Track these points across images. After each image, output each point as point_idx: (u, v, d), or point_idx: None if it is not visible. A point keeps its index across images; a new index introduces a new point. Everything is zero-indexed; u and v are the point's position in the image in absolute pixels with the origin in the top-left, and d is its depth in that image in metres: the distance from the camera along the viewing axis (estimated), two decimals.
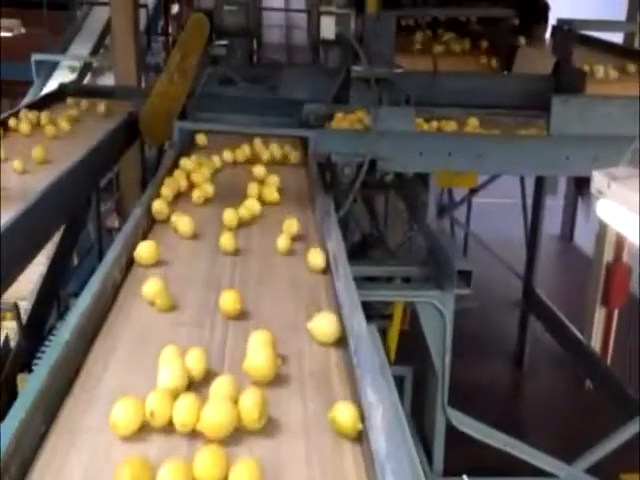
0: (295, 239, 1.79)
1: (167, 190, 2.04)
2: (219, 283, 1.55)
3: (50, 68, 5.40)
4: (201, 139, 2.77)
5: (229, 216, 1.86)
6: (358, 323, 1.23)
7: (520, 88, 3.59)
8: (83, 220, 3.46)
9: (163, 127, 2.95)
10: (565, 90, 3.54)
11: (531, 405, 4.53)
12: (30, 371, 2.45)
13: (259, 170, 2.30)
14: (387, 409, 0.97)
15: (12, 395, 2.38)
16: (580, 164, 2.71)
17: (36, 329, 2.81)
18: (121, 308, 1.41)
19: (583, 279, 4.97)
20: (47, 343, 2.68)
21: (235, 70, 3.77)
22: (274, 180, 2.22)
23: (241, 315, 1.38)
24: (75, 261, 3.86)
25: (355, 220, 3.56)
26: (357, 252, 3.35)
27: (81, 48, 5.88)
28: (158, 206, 1.90)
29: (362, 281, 2.56)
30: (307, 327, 1.30)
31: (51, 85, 4.94)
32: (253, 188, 2.11)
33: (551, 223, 6.21)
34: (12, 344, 2.63)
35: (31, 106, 3.25)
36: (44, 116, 2.98)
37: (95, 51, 5.97)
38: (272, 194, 2.12)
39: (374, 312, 3.06)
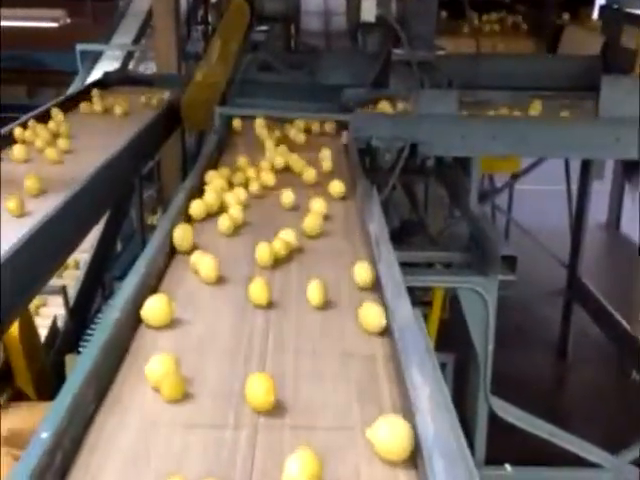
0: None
1: (195, 209, 1.76)
2: (247, 353, 1.21)
3: (94, 58, 5.50)
4: (236, 123, 2.77)
5: (263, 255, 1.52)
6: (403, 306, 1.20)
7: (567, 69, 3.48)
8: (126, 207, 3.52)
9: (204, 114, 2.97)
10: (614, 70, 3.43)
11: (575, 396, 4.43)
12: (78, 352, 2.52)
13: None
14: (434, 391, 0.96)
15: (60, 375, 2.45)
16: (629, 147, 2.62)
17: (82, 312, 2.88)
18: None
19: (630, 268, 4.82)
20: (93, 325, 2.75)
21: (275, 56, 3.76)
22: (320, 207, 1.83)
23: (275, 409, 1.04)
24: (118, 247, 3.94)
25: (394, 206, 3.53)
26: (396, 238, 3.31)
27: (124, 37, 5.97)
28: (179, 236, 1.56)
29: (402, 267, 2.53)
30: (366, 434, 0.96)
31: (95, 75, 5.02)
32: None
33: (597, 210, 6.04)
34: (60, 326, 2.71)
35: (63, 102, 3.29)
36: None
37: (137, 40, 6.05)
38: (315, 225, 1.73)
39: (413, 299, 3.02)
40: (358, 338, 1.25)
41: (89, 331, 2.69)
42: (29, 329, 2.43)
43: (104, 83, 3.62)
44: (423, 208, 3.72)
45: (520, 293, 4.18)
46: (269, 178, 2.07)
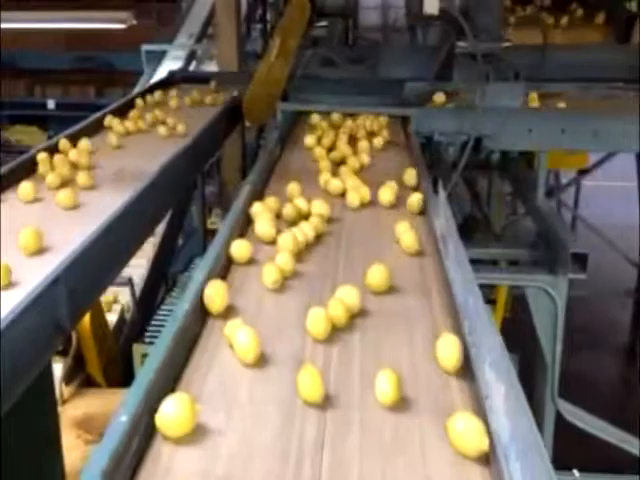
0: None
1: (238, 251, 1.45)
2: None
3: (159, 57, 5.63)
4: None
5: (316, 326, 1.16)
6: (474, 299, 1.15)
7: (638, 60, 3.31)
8: (188, 204, 3.59)
9: (265, 109, 2.98)
10: None
11: None
12: (143, 342, 2.60)
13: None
14: (509, 388, 0.92)
15: (127, 363, 2.54)
16: None
17: (147, 304, 2.97)
18: None
19: None
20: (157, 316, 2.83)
21: (335, 51, 3.75)
22: (381, 274, 1.36)
23: None
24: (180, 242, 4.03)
25: (456, 202, 3.46)
26: (459, 235, 3.24)
27: (186, 37, 6.09)
28: (210, 296, 1.24)
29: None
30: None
31: (159, 74, 5.14)
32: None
33: None
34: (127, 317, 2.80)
35: (143, 93, 3.38)
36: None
37: (199, 40, 6.16)
38: (383, 280, 1.35)
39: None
40: (448, 462, 0.89)
41: (154, 322, 2.77)
42: (99, 320, 2.52)
43: (169, 82, 3.70)
44: (486, 204, 3.63)
45: (588, 293, 4.04)
46: (323, 209, 1.72)
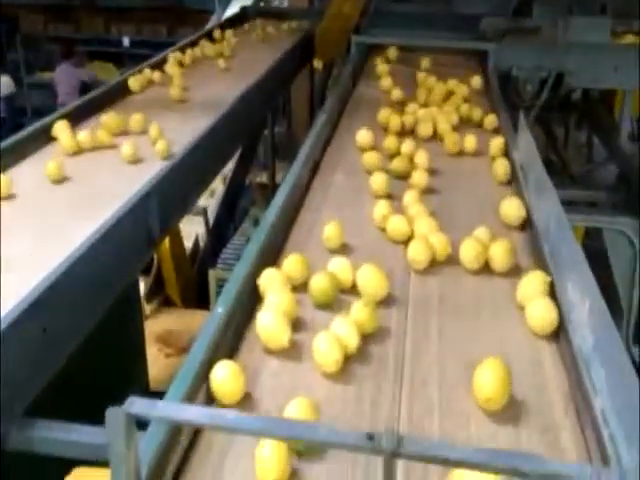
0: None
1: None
2: None
3: None
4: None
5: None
6: (566, 248, 1.08)
7: None
8: (258, 141, 3.61)
9: (337, 44, 2.94)
10: None
11: None
12: (217, 268, 2.71)
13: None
14: (594, 302, 0.91)
15: (202, 287, 2.67)
16: None
17: (220, 234, 3.07)
18: None
19: None
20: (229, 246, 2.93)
21: None
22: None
23: None
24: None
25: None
26: None
27: None
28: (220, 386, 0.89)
29: None
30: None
31: (230, 12, 5.12)
32: None
33: None
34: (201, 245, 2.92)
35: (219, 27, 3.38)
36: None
37: None
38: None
39: None
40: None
41: (226, 250, 2.87)
42: (178, 245, 2.64)
43: (241, 17, 3.68)
44: (563, 147, 3.49)
45: None
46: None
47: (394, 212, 1.35)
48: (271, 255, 1.23)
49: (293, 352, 0.99)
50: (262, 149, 3.82)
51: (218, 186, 3.26)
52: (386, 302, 1.11)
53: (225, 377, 0.89)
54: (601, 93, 3.18)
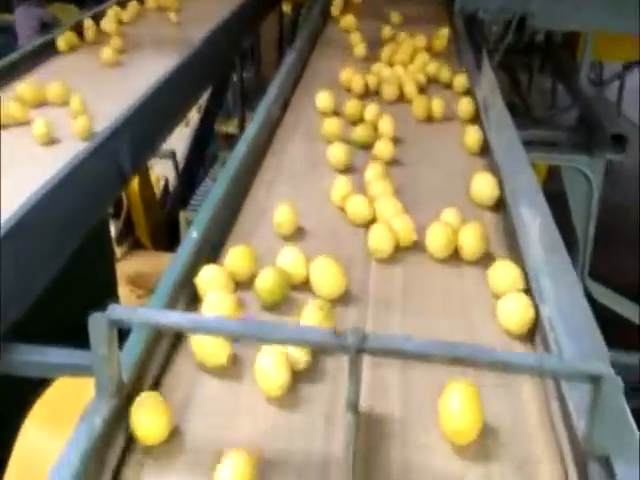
0: None
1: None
2: None
3: None
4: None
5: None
6: (523, 178, 1.16)
7: None
8: (227, 85, 3.59)
9: None
10: None
11: None
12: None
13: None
14: (544, 221, 0.98)
15: (172, 230, 2.71)
16: None
17: (189, 178, 3.10)
18: None
19: None
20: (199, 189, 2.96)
21: None
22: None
23: None
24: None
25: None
26: None
27: None
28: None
29: None
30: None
31: None
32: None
33: None
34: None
35: None
36: None
37: None
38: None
39: None
40: None
41: (196, 196, 2.90)
42: (147, 187, 2.65)
43: None
44: (527, 92, 3.55)
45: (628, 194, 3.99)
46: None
47: (355, 191, 1.23)
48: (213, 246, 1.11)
49: (234, 371, 0.85)
50: (232, 96, 3.80)
51: (193, 115, 3.21)
52: (344, 299, 1.00)
53: (146, 414, 0.74)
54: (564, 37, 3.23)
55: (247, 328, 0.74)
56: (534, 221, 0.99)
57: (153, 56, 2.11)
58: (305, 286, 1.00)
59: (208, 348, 0.84)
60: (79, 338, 0.74)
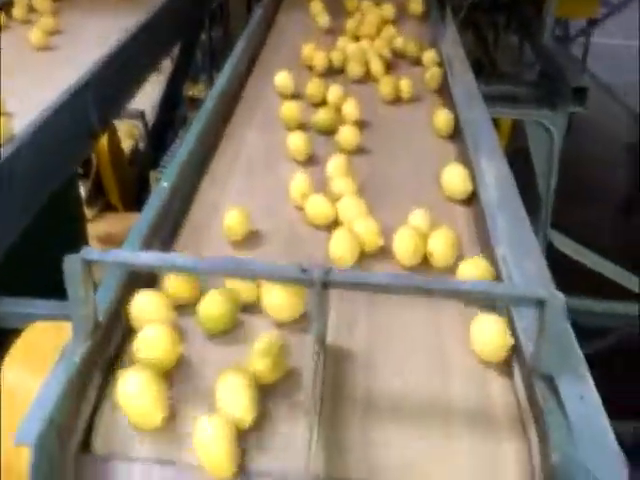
0: None
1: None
2: None
3: None
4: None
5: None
6: (478, 111, 1.23)
7: None
8: (195, 46, 3.55)
9: None
10: None
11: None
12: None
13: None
14: (499, 171, 1.03)
15: (142, 190, 2.72)
16: None
17: (159, 139, 3.10)
18: None
19: None
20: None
21: None
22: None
23: None
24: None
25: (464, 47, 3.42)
26: None
27: None
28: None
29: None
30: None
31: None
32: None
33: None
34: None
35: None
36: None
37: None
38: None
39: None
40: None
41: (166, 157, 2.91)
42: (116, 147, 2.65)
43: None
44: (494, 49, 3.59)
45: (591, 148, 4.08)
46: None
47: (314, 188, 1.11)
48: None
49: (169, 433, 0.72)
50: (200, 56, 3.77)
51: (166, 64, 3.14)
52: (300, 322, 0.87)
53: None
54: None
55: (215, 265, 0.78)
56: (489, 168, 1.04)
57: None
58: (257, 307, 0.88)
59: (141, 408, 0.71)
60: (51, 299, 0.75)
